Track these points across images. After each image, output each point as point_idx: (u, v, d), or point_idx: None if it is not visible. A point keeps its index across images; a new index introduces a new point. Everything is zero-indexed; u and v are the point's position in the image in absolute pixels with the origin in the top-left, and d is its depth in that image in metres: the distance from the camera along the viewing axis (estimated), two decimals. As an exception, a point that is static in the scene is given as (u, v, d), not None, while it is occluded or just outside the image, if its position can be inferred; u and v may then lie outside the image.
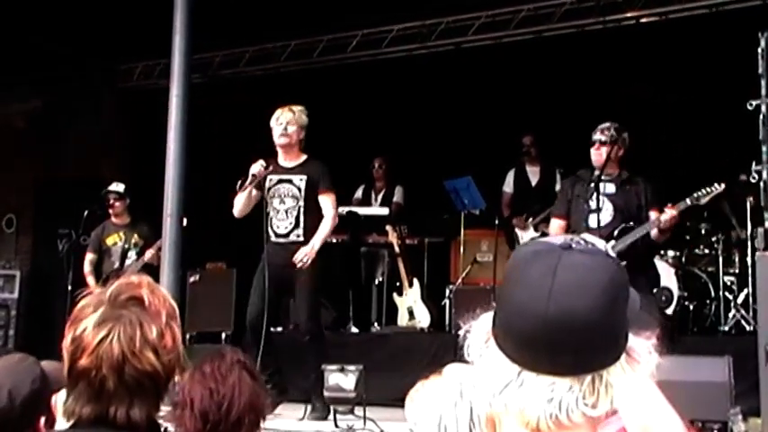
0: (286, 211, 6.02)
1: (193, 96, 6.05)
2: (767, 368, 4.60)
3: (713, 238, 7.54)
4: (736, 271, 7.47)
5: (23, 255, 10.39)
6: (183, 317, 1.75)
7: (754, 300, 6.40)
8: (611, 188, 5.75)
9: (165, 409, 1.91)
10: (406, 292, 8.28)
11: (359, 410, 5.48)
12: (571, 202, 5.88)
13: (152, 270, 6.77)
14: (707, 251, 7.63)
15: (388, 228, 8.43)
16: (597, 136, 5.77)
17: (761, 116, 5.02)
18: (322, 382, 5.67)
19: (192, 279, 8.50)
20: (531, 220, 8.22)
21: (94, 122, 10.18)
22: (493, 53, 8.83)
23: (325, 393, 5.64)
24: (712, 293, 7.41)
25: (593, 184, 5.66)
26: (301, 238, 5.99)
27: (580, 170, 6.01)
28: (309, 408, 5.89)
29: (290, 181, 6.04)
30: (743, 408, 5.01)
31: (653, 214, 5.68)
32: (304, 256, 5.90)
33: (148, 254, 7.58)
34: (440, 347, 7.11)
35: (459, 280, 8.31)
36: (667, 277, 7.15)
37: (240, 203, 6.07)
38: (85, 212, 8.15)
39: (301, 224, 6.00)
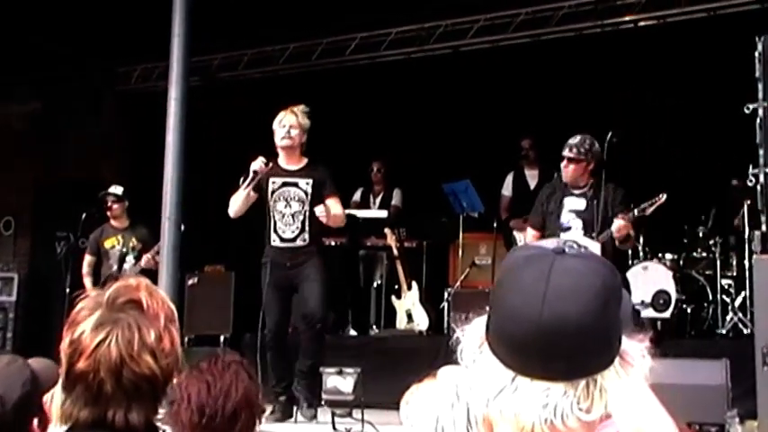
0: (292, 215, 5.97)
1: (192, 99, 6.05)
2: (764, 371, 4.60)
3: (711, 242, 7.55)
4: (734, 274, 7.49)
5: (21, 257, 10.38)
6: (182, 320, 1.75)
7: (751, 303, 6.41)
8: (580, 204, 5.84)
9: (162, 412, 1.91)
10: (405, 295, 8.28)
11: (357, 413, 5.47)
12: (545, 215, 5.97)
13: (150, 274, 6.75)
14: (704, 254, 7.64)
15: (387, 231, 8.44)
16: (566, 153, 5.84)
17: (758, 119, 5.03)
18: (315, 381, 5.67)
19: (190, 282, 8.49)
20: (529, 222, 8.23)
21: (94, 124, 10.18)
22: (491, 56, 8.84)
23: (324, 396, 5.64)
24: (710, 296, 7.43)
25: (564, 200, 5.78)
26: (307, 242, 5.96)
27: (555, 177, 6.06)
28: (303, 402, 5.87)
29: (295, 184, 5.99)
30: (740, 411, 5.02)
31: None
32: (321, 210, 5.88)
33: (145, 258, 7.57)
34: (438, 350, 7.11)
35: (458, 283, 8.31)
36: (665, 280, 7.16)
37: (237, 204, 5.99)
38: (84, 215, 8.15)
39: (307, 228, 5.96)
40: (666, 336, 7.00)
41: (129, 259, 7.80)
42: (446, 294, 8.23)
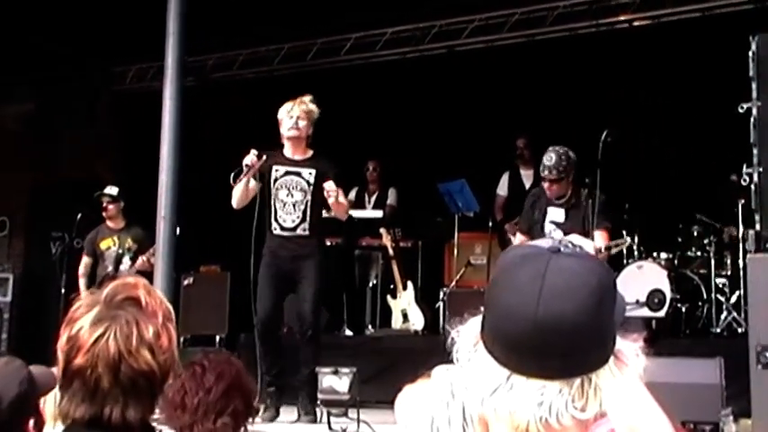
0: (294, 204, 5.95)
1: (187, 99, 6.04)
2: (758, 370, 4.61)
3: (705, 241, 7.57)
4: (728, 273, 7.51)
5: (16, 257, 10.35)
6: (177, 320, 1.76)
7: (745, 302, 6.42)
8: (560, 215, 6.00)
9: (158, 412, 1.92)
10: (400, 295, 8.29)
11: (353, 413, 5.48)
12: (531, 222, 6.14)
13: (146, 275, 6.73)
14: (699, 253, 7.66)
15: (382, 230, 8.44)
16: (545, 175, 5.98)
17: (752, 119, 5.04)
18: (315, 384, 5.67)
19: (186, 282, 8.48)
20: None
21: (89, 124, 10.17)
22: (486, 56, 8.85)
23: (319, 396, 5.64)
24: (704, 295, 7.45)
25: (547, 208, 5.95)
26: (307, 232, 5.94)
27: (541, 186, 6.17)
28: (302, 410, 5.88)
29: (298, 174, 5.98)
30: (734, 409, 5.03)
31: (597, 234, 5.83)
32: (330, 185, 5.86)
33: (140, 260, 7.55)
34: (434, 350, 7.11)
35: (453, 283, 8.32)
36: (660, 279, 7.17)
37: (238, 195, 5.96)
38: (79, 215, 8.14)
39: (308, 218, 5.93)
40: (661, 335, 7.01)
41: (125, 261, 7.77)
42: (441, 294, 8.24)
